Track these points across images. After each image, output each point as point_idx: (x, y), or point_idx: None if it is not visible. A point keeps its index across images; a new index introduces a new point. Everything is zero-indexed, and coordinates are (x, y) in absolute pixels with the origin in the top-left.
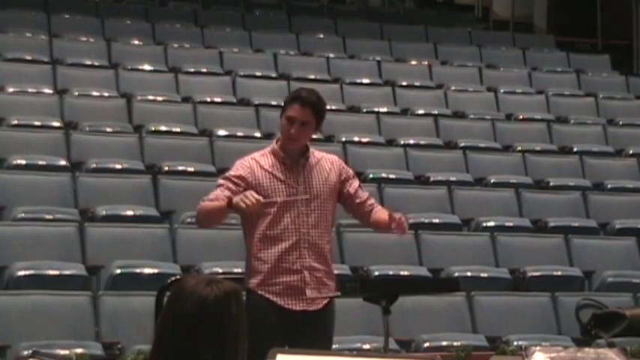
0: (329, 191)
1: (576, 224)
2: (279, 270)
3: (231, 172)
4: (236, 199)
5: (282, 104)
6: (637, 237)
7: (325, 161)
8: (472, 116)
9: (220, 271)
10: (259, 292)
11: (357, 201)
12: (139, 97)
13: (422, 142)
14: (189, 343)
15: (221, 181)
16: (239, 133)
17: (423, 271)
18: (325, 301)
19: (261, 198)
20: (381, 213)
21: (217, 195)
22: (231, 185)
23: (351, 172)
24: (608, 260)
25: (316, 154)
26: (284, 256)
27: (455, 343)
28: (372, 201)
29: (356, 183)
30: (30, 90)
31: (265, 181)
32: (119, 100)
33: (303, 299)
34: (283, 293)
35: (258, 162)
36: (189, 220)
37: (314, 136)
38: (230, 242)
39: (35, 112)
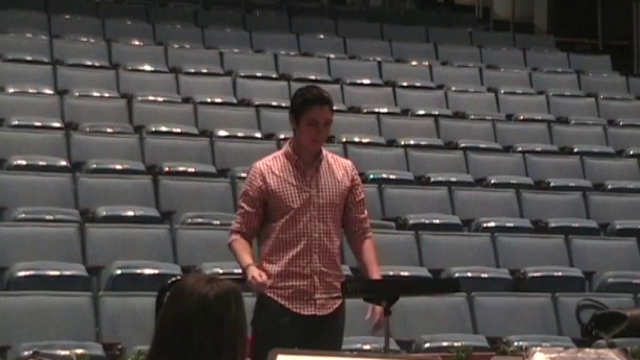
0: (341, 196)
1: (577, 225)
2: (290, 274)
3: (247, 187)
4: (249, 275)
5: (293, 108)
6: (637, 237)
7: (339, 166)
8: (472, 117)
9: (221, 271)
10: (269, 294)
11: (354, 215)
12: (140, 98)
13: (422, 143)
14: (189, 341)
15: (241, 203)
16: (239, 134)
17: (423, 272)
18: (336, 306)
19: (266, 282)
20: (371, 264)
21: (240, 224)
22: (249, 209)
23: (359, 182)
24: (609, 261)
25: (329, 157)
26: (294, 261)
27: (455, 344)
28: (367, 225)
29: (362, 195)
30: (30, 90)
31: (277, 186)
32: (119, 101)
33: (312, 304)
34: (293, 297)
35: (269, 167)
36: (189, 220)
37: None
38: None
39: (36, 113)
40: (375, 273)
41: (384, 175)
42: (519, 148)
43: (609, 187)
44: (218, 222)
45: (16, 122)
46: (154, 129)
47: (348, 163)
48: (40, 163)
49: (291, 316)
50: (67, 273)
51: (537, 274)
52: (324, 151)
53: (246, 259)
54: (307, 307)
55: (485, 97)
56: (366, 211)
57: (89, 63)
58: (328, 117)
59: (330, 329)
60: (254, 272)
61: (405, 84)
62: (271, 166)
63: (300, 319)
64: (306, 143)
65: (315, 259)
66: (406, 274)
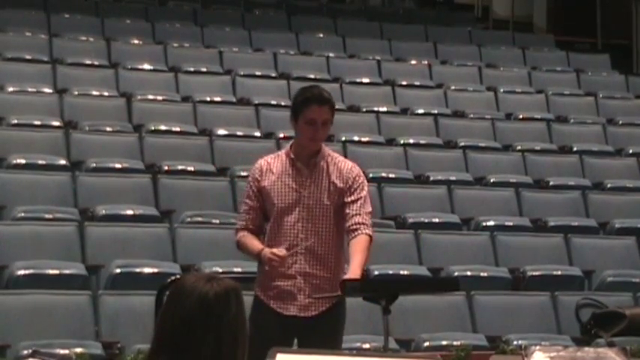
0: (330, 197)
1: (576, 224)
2: (275, 274)
3: (249, 182)
4: (264, 259)
5: (293, 107)
6: (636, 236)
7: (336, 167)
8: (472, 116)
9: (220, 270)
10: (258, 294)
11: (346, 212)
12: (139, 97)
13: (422, 142)
14: (189, 339)
15: (244, 199)
16: (239, 133)
17: (422, 271)
18: (323, 308)
19: (283, 252)
20: (352, 258)
21: (246, 221)
22: (252, 203)
23: (359, 184)
24: (608, 260)
25: (329, 158)
26: None
27: (455, 343)
28: (361, 220)
29: (358, 195)
30: (30, 89)
31: (270, 184)
32: (119, 100)
33: (295, 304)
34: (277, 297)
35: (269, 164)
36: (189, 219)
37: None
38: (230, 242)
39: (35, 112)
40: (351, 271)
41: (384, 174)
42: (518, 147)
43: (608, 186)
44: (217, 221)
45: (16, 121)
46: (153, 128)
47: (348, 165)
48: (40, 162)
49: (274, 315)
50: (67, 272)
51: (536, 273)
52: (326, 152)
53: (256, 245)
54: (290, 307)
55: (484, 96)
56: (363, 209)
57: (88, 62)
58: (327, 117)
59: (316, 332)
60: (267, 254)
61: (404, 83)
62: (271, 163)
63: (283, 319)
64: (304, 142)
65: (300, 259)
66: (405, 273)
